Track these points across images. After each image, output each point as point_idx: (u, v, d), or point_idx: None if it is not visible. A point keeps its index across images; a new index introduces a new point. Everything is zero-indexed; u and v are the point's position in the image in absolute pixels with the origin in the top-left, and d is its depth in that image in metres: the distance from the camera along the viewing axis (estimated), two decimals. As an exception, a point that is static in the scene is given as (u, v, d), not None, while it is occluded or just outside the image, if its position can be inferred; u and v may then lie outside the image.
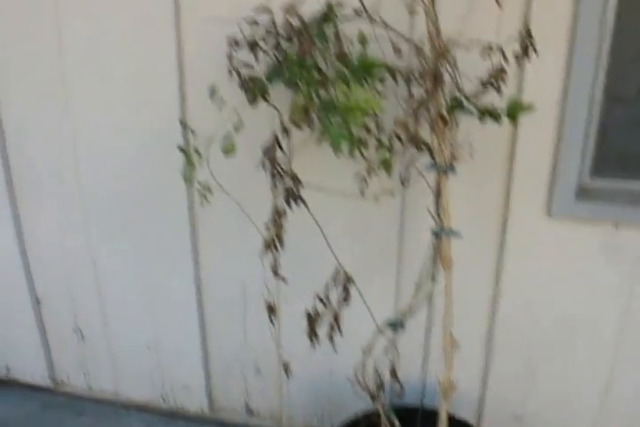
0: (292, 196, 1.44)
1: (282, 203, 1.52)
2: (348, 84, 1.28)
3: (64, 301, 2.41)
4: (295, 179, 1.44)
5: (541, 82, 1.62)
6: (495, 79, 1.30)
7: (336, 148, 1.29)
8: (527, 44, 1.34)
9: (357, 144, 1.42)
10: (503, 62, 1.32)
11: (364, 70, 1.27)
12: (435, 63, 1.26)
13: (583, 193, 1.74)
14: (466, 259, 1.67)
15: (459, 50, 1.35)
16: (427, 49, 1.38)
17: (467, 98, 1.44)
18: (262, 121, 1.77)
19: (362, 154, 1.45)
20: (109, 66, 1.96)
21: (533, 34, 1.40)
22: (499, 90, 1.34)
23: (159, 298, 2.28)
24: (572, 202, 1.74)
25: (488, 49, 1.29)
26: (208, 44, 1.81)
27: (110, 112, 2.02)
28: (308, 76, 1.33)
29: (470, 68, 1.44)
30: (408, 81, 1.38)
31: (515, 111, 1.43)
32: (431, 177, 1.54)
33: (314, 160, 1.69)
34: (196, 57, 1.89)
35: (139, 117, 1.99)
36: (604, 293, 1.82)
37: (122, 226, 2.19)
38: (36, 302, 2.43)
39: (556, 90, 1.63)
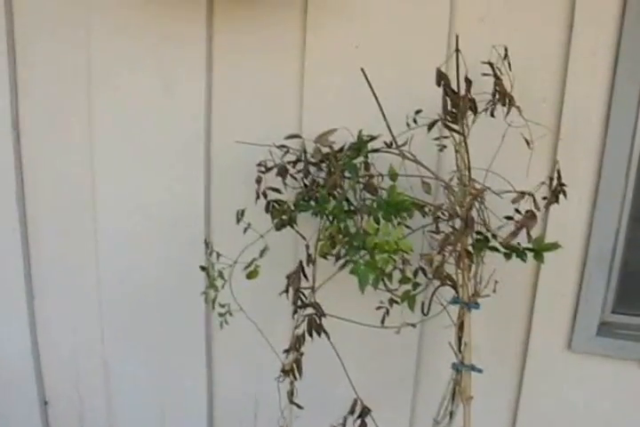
0: (315, 326, 1.43)
1: (301, 331, 1.51)
2: (377, 221, 1.29)
3: (72, 402, 2.34)
4: (318, 309, 1.43)
5: (566, 218, 1.63)
6: (526, 226, 1.30)
7: (362, 287, 1.29)
8: (558, 190, 1.35)
9: (381, 276, 1.42)
10: (534, 209, 1.33)
11: (394, 207, 1.29)
12: (467, 207, 1.27)
13: (605, 329, 1.72)
14: (482, 390, 1.63)
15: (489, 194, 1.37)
16: (455, 185, 1.41)
17: (494, 236, 1.45)
18: (286, 243, 1.78)
19: (386, 287, 1.45)
20: (136, 179, 1.99)
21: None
22: (529, 235, 1.34)
23: (169, 404, 2.22)
24: (593, 337, 1.72)
25: (520, 197, 1.31)
26: (237, 167, 1.85)
27: (134, 224, 2.04)
28: (338, 210, 1.35)
29: (494, 204, 1.46)
30: (436, 218, 1.39)
31: (540, 250, 1.43)
32: (451, 308, 1.53)
33: (334, 286, 1.68)
34: (224, 179, 1.92)
35: (162, 233, 2.01)
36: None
37: (136, 330, 2.16)
38: (44, 404, 2.37)
39: (581, 224, 1.65)
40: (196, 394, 2.17)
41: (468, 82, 1.26)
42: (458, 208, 1.34)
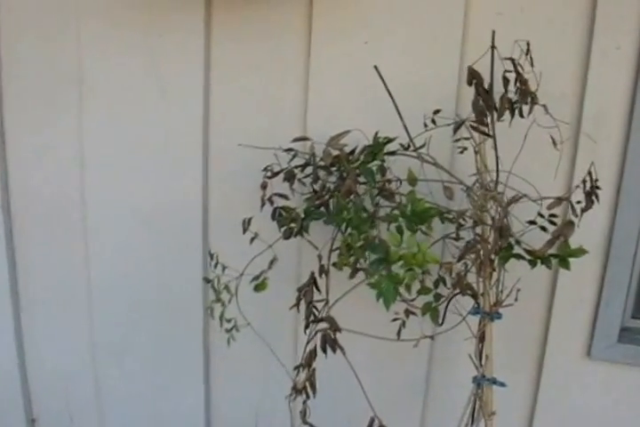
0: (330, 342, 1.33)
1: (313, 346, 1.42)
2: (400, 231, 1.20)
3: (61, 419, 2.23)
4: (334, 324, 1.34)
5: (586, 220, 1.55)
6: (564, 235, 1.22)
7: (388, 305, 1.20)
8: (593, 194, 1.27)
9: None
10: (572, 216, 1.24)
11: (419, 216, 1.20)
12: (503, 216, 1.18)
13: (626, 335, 1.66)
14: (495, 402, 1.55)
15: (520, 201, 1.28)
16: (477, 190, 1.33)
17: (517, 242, 1.36)
18: (290, 252, 1.69)
19: (402, 298, 1.36)
20: (130, 185, 1.88)
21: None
22: (567, 243, 1.25)
23: (164, 422, 2.11)
24: (614, 344, 1.64)
25: (557, 203, 1.22)
26: (238, 172, 1.75)
27: (128, 233, 1.93)
28: (356, 219, 1.25)
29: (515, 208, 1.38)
30: (459, 225, 1.31)
31: (567, 256, 1.35)
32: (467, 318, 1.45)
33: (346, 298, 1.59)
34: (224, 185, 1.82)
35: (157, 242, 1.90)
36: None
37: (129, 345, 2.05)
38: (31, 421, 2.25)
39: (602, 226, 1.57)
40: (193, 412, 2.07)
41: (506, 81, 1.17)
42: (488, 216, 1.25)
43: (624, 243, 1.56)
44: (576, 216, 1.25)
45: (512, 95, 1.30)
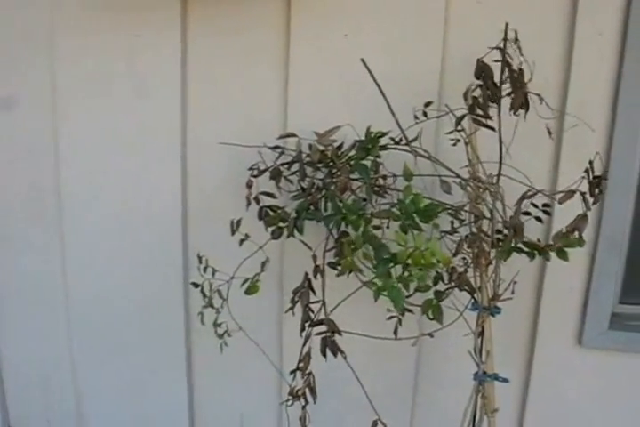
0: (330, 346, 1.29)
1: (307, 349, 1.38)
2: (403, 230, 1.16)
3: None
4: (333, 327, 1.29)
5: (574, 208, 1.54)
6: (578, 229, 1.20)
7: (399, 308, 1.16)
8: (597, 184, 1.25)
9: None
10: (585, 209, 1.22)
11: (424, 214, 1.15)
12: (517, 212, 1.15)
13: (616, 321, 1.66)
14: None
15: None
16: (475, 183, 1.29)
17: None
18: (274, 250, 1.62)
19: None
20: (107, 188, 1.79)
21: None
22: (581, 237, 1.23)
23: (147, 425, 2.03)
24: (605, 331, 1.65)
25: (569, 196, 1.20)
26: (218, 172, 1.69)
27: (104, 235, 1.84)
28: (356, 218, 1.21)
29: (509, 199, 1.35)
30: (461, 220, 1.28)
31: (564, 247, 1.32)
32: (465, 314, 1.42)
33: (333, 294, 1.54)
34: (204, 185, 1.75)
35: (137, 246, 1.82)
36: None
37: (109, 353, 1.96)
38: (8, 430, 2.14)
39: (591, 216, 1.54)
40: (177, 414, 1.99)
41: (521, 72, 1.13)
42: (486, 209, 1.22)
43: (613, 231, 1.56)
44: (589, 210, 1.23)
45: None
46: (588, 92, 1.48)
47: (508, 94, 1.16)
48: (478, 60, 1.12)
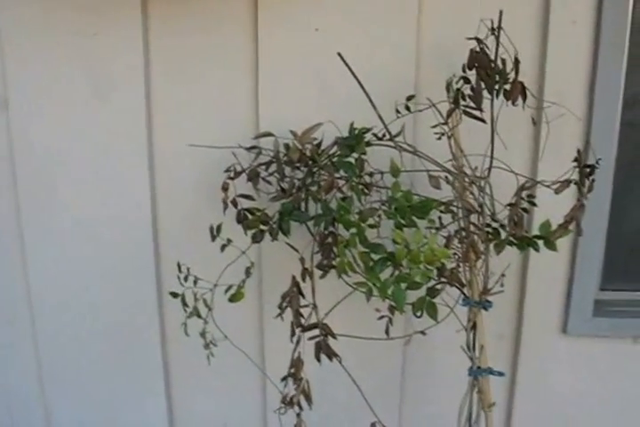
0: (325, 350, 1.25)
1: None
2: (399, 227, 1.12)
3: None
4: (328, 330, 1.25)
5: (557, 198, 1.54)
6: (576, 218, 1.18)
7: (401, 309, 1.12)
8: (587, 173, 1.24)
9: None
10: (582, 198, 1.21)
11: (420, 210, 1.12)
12: (517, 206, 1.13)
13: (598, 308, 1.67)
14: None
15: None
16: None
17: (502, 226, 1.32)
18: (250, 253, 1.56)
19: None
20: (70, 199, 1.69)
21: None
22: (579, 226, 1.21)
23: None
24: (589, 318, 1.66)
25: (565, 186, 1.18)
26: (189, 176, 1.62)
27: (69, 246, 1.74)
28: (345, 218, 1.17)
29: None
30: (452, 215, 1.25)
31: (553, 237, 1.31)
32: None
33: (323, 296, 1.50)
34: (174, 189, 1.68)
35: (107, 256, 1.73)
36: (623, 411, 1.72)
37: (78, 363, 1.86)
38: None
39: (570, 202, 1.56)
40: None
41: (517, 62, 1.11)
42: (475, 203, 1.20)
43: (595, 220, 1.56)
44: (586, 199, 1.21)
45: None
46: (564, 81, 1.47)
47: (504, 84, 1.13)
48: (471, 50, 1.10)
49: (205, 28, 1.53)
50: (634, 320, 1.67)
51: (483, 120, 1.15)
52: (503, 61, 1.13)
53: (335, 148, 1.31)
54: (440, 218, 1.32)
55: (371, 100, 1.26)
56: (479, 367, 1.39)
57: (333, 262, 1.27)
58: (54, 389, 1.90)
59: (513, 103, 1.13)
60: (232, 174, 1.39)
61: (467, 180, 1.26)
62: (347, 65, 1.27)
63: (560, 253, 1.56)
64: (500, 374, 1.39)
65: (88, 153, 1.63)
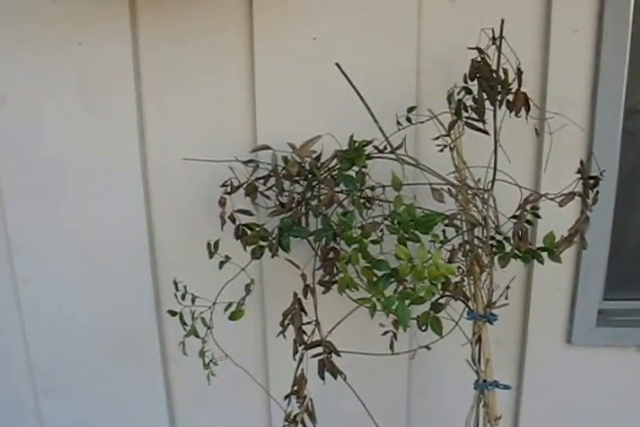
0: (329, 368, 1.23)
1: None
2: (402, 242, 1.10)
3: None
4: (331, 348, 1.23)
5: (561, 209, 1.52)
6: (581, 231, 1.16)
7: (405, 325, 1.10)
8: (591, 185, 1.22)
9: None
10: (586, 211, 1.19)
11: (424, 225, 1.10)
12: (522, 219, 1.11)
13: (602, 318, 1.66)
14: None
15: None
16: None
17: (506, 238, 1.30)
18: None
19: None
20: (63, 218, 1.65)
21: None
22: (583, 239, 1.19)
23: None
24: (593, 328, 1.65)
25: (570, 198, 1.16)
26: (184, 191, 1.59)
27: (67, 273, 1.71)
28: (348, 234, 1.15)
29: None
30: (456, 228, 1.23)
31: (557, 248, 1.29)
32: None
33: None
34: (170, 205, 1.64)
35: (103, 276, 1.69)
36: (628, 419, 1.71)
37: (79, 382, 1.83)
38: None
39: (576, 216, 1.53)
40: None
41: (520, 73, 1.09)
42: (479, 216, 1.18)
43: (598, 230, 1.54)
44: (590, 211, 1.19)
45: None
46: (566, 90, 1.46)
47: (507, 94, 1.11)
48: (473, 60, 1.07)
49: (200, 38, 1.50)
50: (637, 329, 1.65)
51: (486, 132, 1.13)
52: (505, 71, 1.11)
53: (335, 161, 1.28)
54: (444, 231, 1.30)
55: (371, 112, 1.24)
56: (485, 381, 1.37)
57: (336, 278, 1.25)
58: (52, 411, 1.87)
59: (516, 114, 1.10)
60: (229, 189, 1.37)
61: (470, 192, 1.24)
62: (345, 76, 1.25)
63: (563, 264, 1.55)
64: (507, 387, 1.36)
65: (81, 168, 1.60)
